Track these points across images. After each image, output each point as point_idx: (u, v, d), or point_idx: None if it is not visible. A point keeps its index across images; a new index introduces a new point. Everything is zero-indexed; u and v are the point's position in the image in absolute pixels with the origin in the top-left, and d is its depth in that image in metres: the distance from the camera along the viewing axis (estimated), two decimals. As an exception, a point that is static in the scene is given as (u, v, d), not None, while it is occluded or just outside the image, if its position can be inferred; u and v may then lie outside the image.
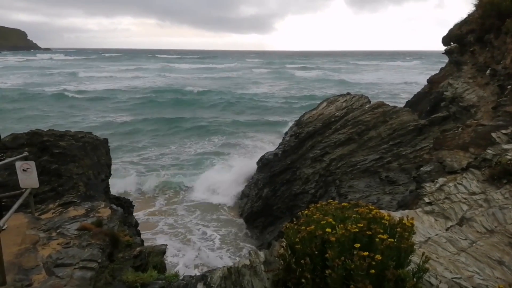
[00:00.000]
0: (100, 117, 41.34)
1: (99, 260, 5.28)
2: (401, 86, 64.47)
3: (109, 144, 12.12)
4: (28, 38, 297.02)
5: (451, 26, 18.24)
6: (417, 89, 24.39)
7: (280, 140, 22.43)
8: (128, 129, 35.39)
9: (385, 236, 3.01)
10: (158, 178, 22.13)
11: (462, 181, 6.56)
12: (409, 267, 3.14)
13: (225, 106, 48.43)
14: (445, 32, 18.77)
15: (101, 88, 61.77)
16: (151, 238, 15.38)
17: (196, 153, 28.34)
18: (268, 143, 29.20)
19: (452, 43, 17.77)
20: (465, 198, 6.12)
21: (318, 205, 3.88)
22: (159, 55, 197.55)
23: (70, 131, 10.89)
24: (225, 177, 21.60)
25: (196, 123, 38.24)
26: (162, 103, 49.74)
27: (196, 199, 20.15)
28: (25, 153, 7.28)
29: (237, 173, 21.68)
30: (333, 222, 3.37)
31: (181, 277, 5.08)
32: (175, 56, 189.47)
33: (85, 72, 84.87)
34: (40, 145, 9.39)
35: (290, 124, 31.79)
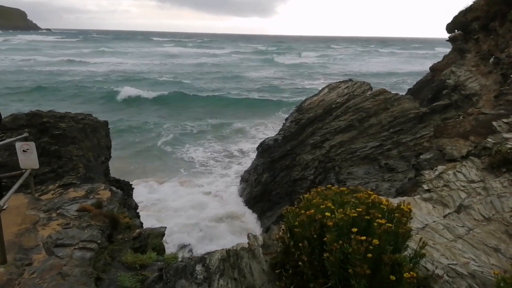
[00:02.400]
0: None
1: (99, 241, 5.32)
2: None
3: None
4: (28, 18, 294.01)
5: (456, 13, 18.06)
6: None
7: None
8: None
9: (383, 221, 3.03)
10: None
11: (461, 169, 6.57)
12: (406, 252, 3.17)
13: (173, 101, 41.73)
14: (450, 18, 18.59)
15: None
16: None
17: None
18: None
19: (456, 30, 17.61)
20: (463, 186, 6.14)
21: (319, 189, 3.89)
22: (155, 38, 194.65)
23: (70, 112, 10.87)
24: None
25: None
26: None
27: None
28: (25, 134, 7.27)
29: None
30: (332, 207, 3.38)
31: (180, 259, 5.12)
32: (169, 39, 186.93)
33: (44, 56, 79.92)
34: (40, 126, 9.38)
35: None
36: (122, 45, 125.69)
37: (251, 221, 16.81)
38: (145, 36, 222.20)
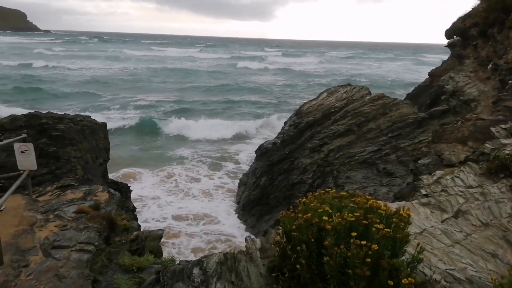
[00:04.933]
0: None
1: (96, 243, 5.31)
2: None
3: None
4: (28, 19, 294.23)
5: (454, 19, 18.17)
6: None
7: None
8: None
9: (381, 226, 3.03)
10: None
11: (459, 174, 6.58)
12: (404, 257, 3.17)
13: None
14: (448, 25, 18.70)
15: None
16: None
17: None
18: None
19: (455, 36, 17.70)
20: (461, 191, 6.15)
21: (316, 193, 3.89)
22: (145, 41, 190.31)
23: (69, 114, 10.85)
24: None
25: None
26: None
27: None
28: (24, 135, 7.26)
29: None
30: (330, 211, 3.38)
31: (177, 262, 5.11)
32: (158, 42, 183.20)
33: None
34: (38, 127, 9.36)
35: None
36: (99, 48, 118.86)
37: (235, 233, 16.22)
38: (135, 39, 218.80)
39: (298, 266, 3.11)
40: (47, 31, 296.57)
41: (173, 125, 31.35)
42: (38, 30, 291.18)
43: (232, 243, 14.93)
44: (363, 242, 2.88)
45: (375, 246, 2.87)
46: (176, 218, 16.68)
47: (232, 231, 16.30)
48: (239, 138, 29.96)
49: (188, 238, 15.04)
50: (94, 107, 37.70)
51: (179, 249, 14.25)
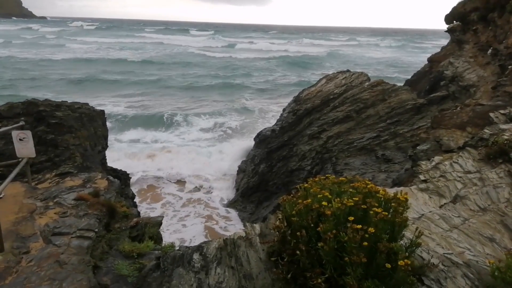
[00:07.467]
0: None
1: (96, 230, 5.33)
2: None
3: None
4: (23, 6, 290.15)
5: (454, 3, 17.99)
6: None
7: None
8: None
9: (379, 210, 3.04)
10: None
11: (458, 160, 6.60)
12: (402, 242, 3.19)
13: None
14: (448, 9, 18.53)
15: None
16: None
17: None
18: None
19: (454, 21, 17.56)
20: (460, 177, 6.17)
21: (316, 179, 3.89)
22: (131, 27, 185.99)
23: (66, 101, 10.79)
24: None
25: None
26: None
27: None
28: (22, 123, 7.23)
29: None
30: (330, 196, 3.39)
31: (177, 248, 5.14)
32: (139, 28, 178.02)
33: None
34: (36, 115, 9.32)
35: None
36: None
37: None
38: (116, 24, 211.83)
39: (297, 251, 3.13)
40: (43, 18, 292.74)
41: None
42: (34, 16, 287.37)
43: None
44: (359, 226, 2.89)
45: (371, 229, 2.88)
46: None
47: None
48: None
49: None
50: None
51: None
